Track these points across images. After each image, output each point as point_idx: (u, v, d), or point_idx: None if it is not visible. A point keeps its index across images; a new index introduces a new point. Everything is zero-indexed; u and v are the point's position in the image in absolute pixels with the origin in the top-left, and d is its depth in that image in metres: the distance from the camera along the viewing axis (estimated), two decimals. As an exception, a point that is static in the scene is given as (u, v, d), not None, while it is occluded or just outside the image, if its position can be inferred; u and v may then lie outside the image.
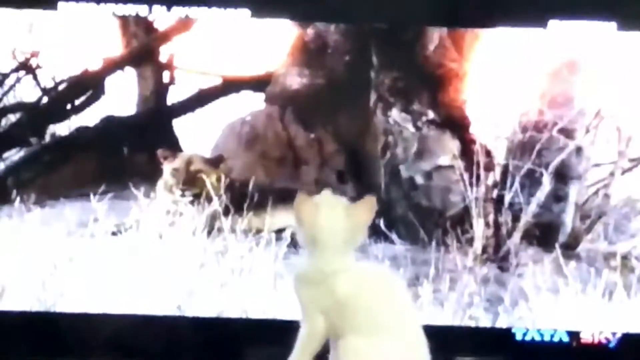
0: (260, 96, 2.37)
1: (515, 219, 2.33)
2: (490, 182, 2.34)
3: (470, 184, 2.33)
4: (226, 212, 2.33)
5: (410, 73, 2.35)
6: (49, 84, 2.36)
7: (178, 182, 2.34)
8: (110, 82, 2.36)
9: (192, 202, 2.34)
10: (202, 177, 2.34)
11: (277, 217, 2.30)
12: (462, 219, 2.33)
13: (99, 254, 2.31)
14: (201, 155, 2.36)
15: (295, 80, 2.35)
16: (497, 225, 2.33)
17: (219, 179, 2.33)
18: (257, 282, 2.31)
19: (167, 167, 2.33)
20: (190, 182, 2.34)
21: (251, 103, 2.37)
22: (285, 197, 2.29)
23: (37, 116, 2.37)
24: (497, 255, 2.34)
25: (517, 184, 2.33)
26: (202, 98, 2.37)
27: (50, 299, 2.30)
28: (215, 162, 2.35)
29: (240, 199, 2.33)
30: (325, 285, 1.55)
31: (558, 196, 2.34)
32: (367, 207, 1.57)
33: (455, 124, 2.35)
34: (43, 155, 2.36)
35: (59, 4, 2.30)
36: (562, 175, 2.34)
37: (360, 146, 2.36)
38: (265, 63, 2.35)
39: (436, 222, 2.33)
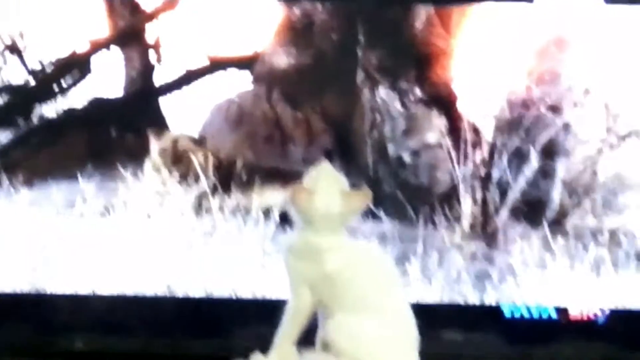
0: (247, 76, 2.37)
1: (503, 196, 2.34)
2: (478, 159, 2.34)
3: (458, 162, 2.33)
4: (214, 191, 2.33)
5: (397, 51, 2.34)
6: (36, 66, 2.35)
7: (166, 162, 2.34)
8: (96, 62, 2.35)
9: (179, 182, 2.34)
10: (190, 157, 2.34)
11: (265, 196, 2.31)
12: (450, 197, 2.33)
13: (88, 234, 2.31)
14: (188, 135, 2.35)
15: (282, 60, 2.35)
16: (485, 203, 2.34)
17: (206, 158, 2.33)
18: (246, 261, 2.31)
19: (155, 146, 2.33)
20: (178, 161, 2.34)
21: (238, 83, 2.37)
22: (273, 176, 2.30)
23: (24, 98, 2.36)
24: (485, 232, 2.34)
25: (504, 161, 2.33)
26: (189, 78, 2.37)
27: (40, 279, 2.30)
28: (202, 142, 2.35)
29: (227, 178, 2.33)
30: (315, 260, 1.55)
31: (546, 173, 2.34)
32: (363, 198, 1.58)
33: (442, 101, 2.35)
34: (31, 137, 2.36)
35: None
36: (550, 152, 2.34)
37: (348, 125, 2.36)
38: (252, 42, 2.35)
39: (424, 200, 2.33)
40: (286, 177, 2.26)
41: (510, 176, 2.33)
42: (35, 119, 2.36)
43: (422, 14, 2.33)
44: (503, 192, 2.34)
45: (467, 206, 2.33)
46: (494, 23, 2.31)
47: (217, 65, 2.36)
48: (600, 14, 2.29)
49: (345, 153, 2.35)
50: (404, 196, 2.34)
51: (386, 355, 1.53)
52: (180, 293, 2.30)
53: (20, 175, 2.32)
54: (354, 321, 1.54)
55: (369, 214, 2.29)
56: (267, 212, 2.30)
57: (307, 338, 1.58)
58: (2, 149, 2.35)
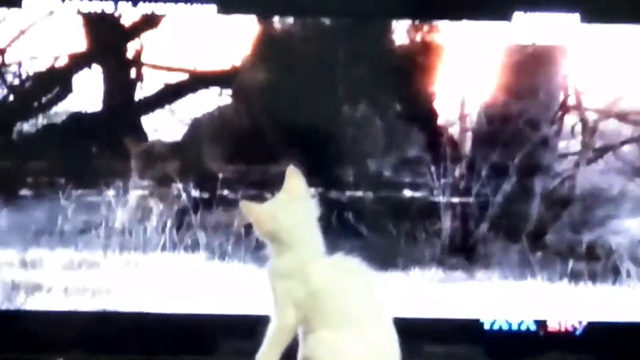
0: (227, 91, 2.37)
1: (483, 210, 2.35)
2: (457, 174, 2.35)
3: (438, 176, 2.34)
4: (195, 208, 2.33)
5: (376, 67, 2.36)
6: (16, 82, 2.35)
7: (145, 176, 2.34)
8: (77, 79, 2.35)
9: (160, 199, 2.34)
10: (169, 172, 2.34)
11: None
12: (430, 211, 2.35)
13: (70, 251, 2.31)
14: (167, 147, 2.35)
15: (262, 75, 2.36)
16: (465, 217, 2.35)
17: (186, 172, 2.33)
18: (227, 277, 2.31)
19: (135, 162, 2.33)
20: (158, 175, 2.34)
21: (218, 98, 2.37)
22: (254, 192, 2.30)
23: (3, 114, 2.36)
24: (464, 246, 2.35)
25: (483, 176, 2.35)
26: (170, 94, 2.37)
27: (21, 297, 2.30)
28: (181, 157, 2.35)
29: (209, 194, 2.33)
30: (299, 277, 1.56)
31: (524, 187, 2.36)
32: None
33: (422, 116, 2.37)
34: (10, 153, 2.35)
35: (24, 1, 2.29)
36: (528, 167, 2.36)
37: (328, 140, 2.37)
38: (232, 58, 2.36)
39: (404, 215, 2.35)
40: (266, 191, 2.27)
41: (489, 190, 2.35)
42: (15, 135, 2.35)
43: (401, 30, 2.34)
44: (482, 206, 2.35)
45: (447, 221, 2.34)
46: (473, 39, 2.33)
47: (197, 81, 2.36)
48: (576, 31, 2.32)
49: (325, 169, 2.35)
50: (384, 211, 2.35)
51: (369, 371, 1.54)
52: (162, 310, 2.30)
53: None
54: (336, 336, 1.55)
55: (350, 229, 2.31)
56: (249, 227, 2.30)
57: (288, 355, 1.58)
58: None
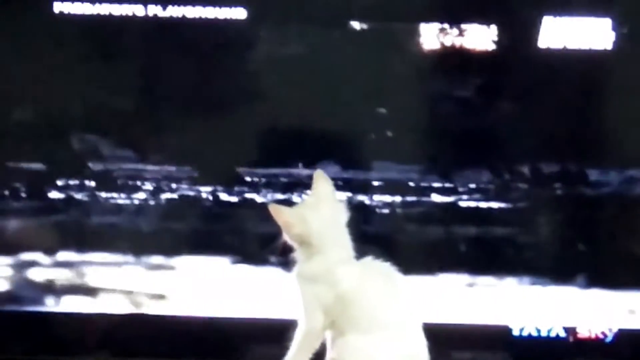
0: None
1: (512, 214, 2.35)
2: (485, 178, 2.35)
3: (466, 181, 2.34)
4: (222, 211, 2.34)
5: (402, 70, 2.36)
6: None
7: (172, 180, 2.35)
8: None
9: (188, 202, 2.35)
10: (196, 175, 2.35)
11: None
12: (459, 215, 2.34)
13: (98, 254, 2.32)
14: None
15: (287, 78, 2.36)
16: (494, 221, 2.35)
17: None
18: (254, 281, 2.31)
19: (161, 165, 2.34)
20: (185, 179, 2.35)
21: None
22: (282, 196, 2.31)
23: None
24: (493, 250, 2.35)
25: (512, 180, 2.35)
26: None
27: (51, 299, 2.31)
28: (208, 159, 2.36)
29: (237, 197, 2.34)
30: (328, 280, 1.55)
31: (554, 192, 2.36)
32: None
33: (447, 120, 2.37)
34: (40, 156, 2.36)
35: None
36: (557, 172, 2.36)
37: (356, 144, 2.37)
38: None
39: (432, 219, 2.34)
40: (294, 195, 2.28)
41: (519, 195, 2.34)
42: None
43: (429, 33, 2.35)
44: (512, 211, 2.35)
45: (476, 225, 2.34)
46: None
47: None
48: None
49: (351, 171, 2.36)
50: (412, 215, 2.34)
51: (397, 375, 1.53)
52: (189, 313, 2.31)
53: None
54: (365, 341, 1.54)
55: (378, 233, 2.31)
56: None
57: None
58: None
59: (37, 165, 2.33)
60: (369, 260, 1.60)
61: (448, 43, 2.34)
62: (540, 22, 2.32)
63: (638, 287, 2.32)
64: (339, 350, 1.55)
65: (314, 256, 1.57)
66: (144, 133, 2.35)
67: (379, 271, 1.59)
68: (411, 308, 1.59)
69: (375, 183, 2.33)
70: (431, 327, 1.57)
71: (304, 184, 1.67)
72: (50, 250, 2.32)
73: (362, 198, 2.32)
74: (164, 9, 2.32)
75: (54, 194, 2.33)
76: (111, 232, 2.32)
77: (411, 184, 2.33)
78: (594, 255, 2.34)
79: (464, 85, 2.33)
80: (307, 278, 1.57)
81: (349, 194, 2.29)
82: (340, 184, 2.25)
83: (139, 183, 2.32)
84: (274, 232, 1.57)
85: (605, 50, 2.32)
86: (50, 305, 2.32)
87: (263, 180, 2.32)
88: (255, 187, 2.32)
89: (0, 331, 2.31)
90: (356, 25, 2.32)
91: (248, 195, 2.32)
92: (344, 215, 1.60)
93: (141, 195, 2.32)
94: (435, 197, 2.33)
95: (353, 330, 1.55)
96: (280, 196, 2.30)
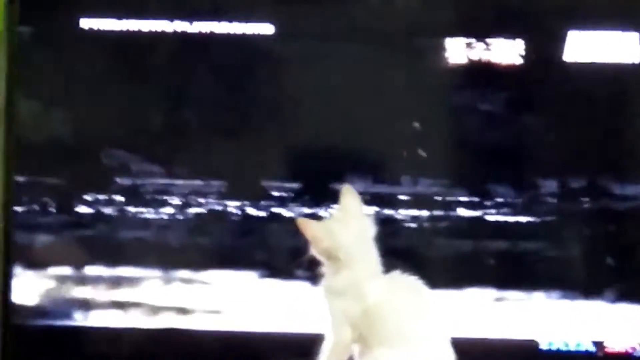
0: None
1: (540, 228, 2.35)
2: (513, 192, 2.35)
3: (494, 195, 2.34)
4: (249, 226, 2.35)
5: (428, 84, 2.36)
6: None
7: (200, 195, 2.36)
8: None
9: (215, 217, 2.36)
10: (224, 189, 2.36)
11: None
12: (486, 229, 2.34)
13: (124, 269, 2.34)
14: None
15: (312, 94, 2.37)
16: (521, 235, 2.35)
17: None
18: (282, 295, 2.32)
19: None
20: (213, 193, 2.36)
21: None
22: (309, 210, 2.31)
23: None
24: (521, 264, 2.35)
25: (539, 194, 2.35)
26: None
27: (78, 314, 2.32)
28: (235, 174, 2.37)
29: (264, 212, 2.35)
30: (355, 294, 1.55)
31: (581, 206, 2.35)
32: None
33: (474, 134, 2.37)
34: (66, 171, 2.37)
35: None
36: (585, 185, 2.36)
37: (382, 158, 2.37)
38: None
39: (459, 233, 2.34)
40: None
41: (546, 209, 2.34)
42: None
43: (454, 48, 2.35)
44: (539, 225, 2.35)
45: (504, 238, 2.34)
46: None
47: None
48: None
49: (377, 186, 2.36)
50: (439, 229, 2.34)
51: (425, 391, 1.53)
52: (216, 327, 2.32)
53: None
54: (393, 355, 1.54)
55: (405, 248, 2.31)
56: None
57: None
58: None
59: (65, 180, 2.35)
60: (396, 274, 1.60)
61: (475, 57, 2.34)
62: (566, 36, 2.32)
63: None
64: (366, 364, 1.56)
65: (341, 270, 1.57)
66: (170, 148, 2.36)
67: (407, 285, 1.59)
68: (439, 322, 1.59)
69: (403, 197, 2.34)
70: (458, 342, 1.57)
71: (331, 199, 1.66)
72: (78, 265, 2.33)
73: (390, 212, 2.33)
74: (191, 24, 2.34)
75: (82, 209, 2.34)
76: (139, 247, 2.34)
77: (438, 198, 2.34)
78: (622, 269, 2.33)
79: (490, 100, 2.34)
80: (335, 292, 1.58)
81: (377, 209, 2.30)
82: (368, 198, 2.25)
83: (166, 198, 2.34)
84: (302, 247, 1.58)
85: (632, 64, 2.32)
86: (79, 319, 2.34)
87: (291, 194, 2.33)
88: (282, 202, 2.33)
89: (30, 346, 2.32)
90: (385, 40, 2.33)
91: (275, 210, 2.33)
92: (371, 229, 1.60)
93: (169, 210, 2.34)
94: (462, 212, 2.34)
95: (380, 344, 1.55)
96: (307, 210, 2.31)
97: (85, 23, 2.34)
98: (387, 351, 1.55)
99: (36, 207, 2.33)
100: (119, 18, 2.33)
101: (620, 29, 2.32)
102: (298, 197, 2.33)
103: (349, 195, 1.61)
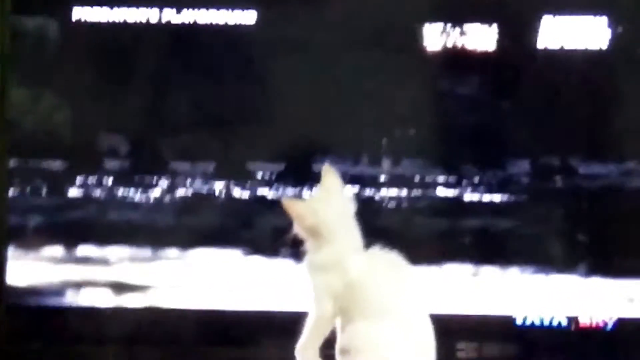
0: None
1: (515, 206, 2.38)
2: (490, 171, 2.38)
3: (470, 174, 2.37)
4: (235, 206, 2.38)
5: (412, 69, 2.40)
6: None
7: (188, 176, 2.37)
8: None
9: (202, 198, 2.38)
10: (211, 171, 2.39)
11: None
12: (463, 207, 2.38)
13: (115, 248, 2.37)
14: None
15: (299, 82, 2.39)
16: (497, 212, 2.38)
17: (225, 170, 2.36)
18: (266, 273, 2.35)
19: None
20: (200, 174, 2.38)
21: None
22: (292, 190, 2.34)
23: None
24: (496, 241, 2.38)
25: (514, 172, 2.38)
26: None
27: (70, 293, 2.36)
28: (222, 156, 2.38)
29: (249, 192, 2.37)
30: (337, 269, 1.58)
31: (556, 183, 2.38)
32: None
33: (455, 115, 2.40)
34: (59, 154, 2.39)
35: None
36: (559, 164, 2.38)
37: (362, 139, 2.40)
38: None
39: (437, 211, 2.38)
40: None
41: (521, 187, 2.37)
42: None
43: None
44: (514, 202, 2.38)
45: (480, 216, 2.37)
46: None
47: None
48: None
49: (358, 166, 2.39)
50: (418, 208, 2.38)
51: (405, 362, 1.56)
52: (202, 305, 2.36)
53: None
54: (374, 327, 1.57)
55: (384, 226, 2.34)
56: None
57: (326, 345, 1.60)
58: None
59: (56, 164, 2.38)
60: (376, 250, 1.63)
61: (450, 43, 2.37)
62: (539, 21, 2.35)
63: (637, 275, 2.35)
64: (349, 337, 1.59)
65: (323, 246, 1.60)
66: (158, 131, 2.39)
67: (387, 260, 1.62)
68: (418, 296, 1.62)
69: (383, 177, 2.37)
70: (435, 318, 1.60)
71: (313, 179, 1.69)
72: (69, 246, 2.36)
73: (370, 192, 2.35)
74: (178, 12, 2.36)
75: (73, 192, 2.37)
76: (128, 228, 2.36)
77: (417, 178, 2.36)
78: (594, 244, 2.36)
79: (465, 84, 2.36)
80: (318, 267, 1.61)
81: (357, 188, 2.33)
82: (348, 179, 2.27)
83: (155, 179, 2.36)
84: (285, 226, 1.61)
85: (601, 49, 2.36)
86: (69, 299, 2.37)
87: (274, 175, 2.35)
88: (266, 183, 2.36)
89: (24, 324, 2.34)
90: (364, 25, 2.35)
91: (260, 191, 2.36)
92: (352, 207, 1.64)
93: (157, 192, 2.36)
94: (440, 191, 2.37)
95: (362, 317, 1.58)
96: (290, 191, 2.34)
97: (77, 12, 2.36)
98: (368, 324, 1.57)
99: (29, 190, 2.36)
100: (111, 7, 2.35)
101: (591, 13, 2.35)
102: (281, 178, 2.37)
103: (330, 174, 1.64)
